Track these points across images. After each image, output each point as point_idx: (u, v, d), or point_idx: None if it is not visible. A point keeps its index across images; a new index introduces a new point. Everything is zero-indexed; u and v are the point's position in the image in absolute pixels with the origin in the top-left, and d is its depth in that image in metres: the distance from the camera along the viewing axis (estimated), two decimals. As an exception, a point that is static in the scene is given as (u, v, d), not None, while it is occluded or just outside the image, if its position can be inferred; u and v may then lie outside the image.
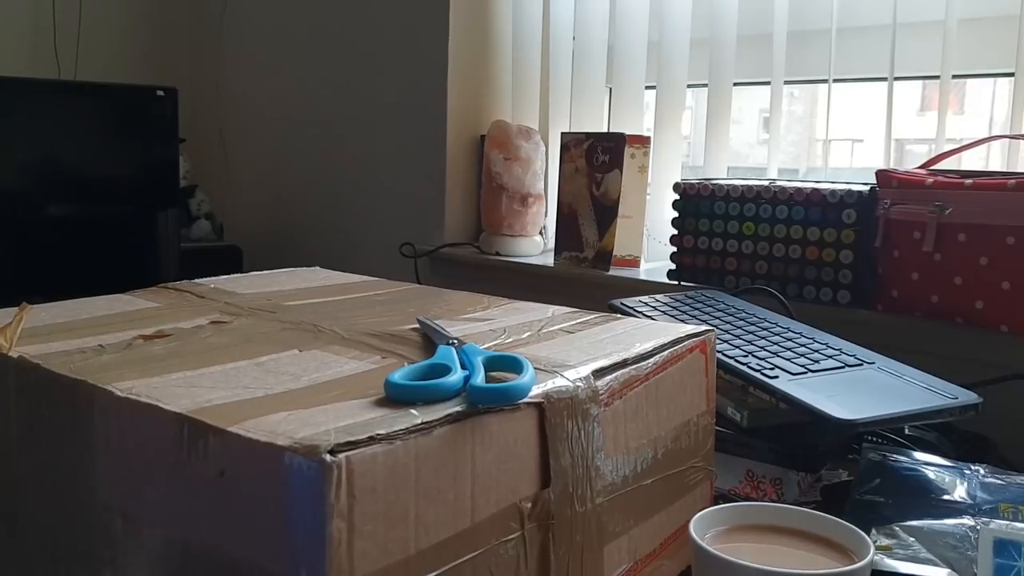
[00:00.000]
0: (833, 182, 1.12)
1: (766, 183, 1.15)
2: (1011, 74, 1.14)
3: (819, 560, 0.52)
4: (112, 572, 0.48)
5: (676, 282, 1.26)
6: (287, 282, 0.82)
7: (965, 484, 0.69)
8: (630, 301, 1.01)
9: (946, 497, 0.67)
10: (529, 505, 0.48)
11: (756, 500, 0.75)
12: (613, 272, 1.36)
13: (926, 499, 0.67)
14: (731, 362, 0.80)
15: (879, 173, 1.06)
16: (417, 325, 0.63)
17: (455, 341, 0.56)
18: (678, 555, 0.63)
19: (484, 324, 0.65)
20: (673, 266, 1.26)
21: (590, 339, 0.61)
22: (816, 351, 0.84)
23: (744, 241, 1.17)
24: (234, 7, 2.08)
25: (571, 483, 0.51)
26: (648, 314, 0.96)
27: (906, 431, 0.85)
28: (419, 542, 0.41)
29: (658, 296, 1.04)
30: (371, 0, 1.76)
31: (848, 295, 1.08)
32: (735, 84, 1.39)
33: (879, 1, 1.25)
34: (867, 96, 1.35)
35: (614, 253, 1.37)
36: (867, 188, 1.07)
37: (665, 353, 0.60)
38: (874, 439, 0.84)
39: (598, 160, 1.39)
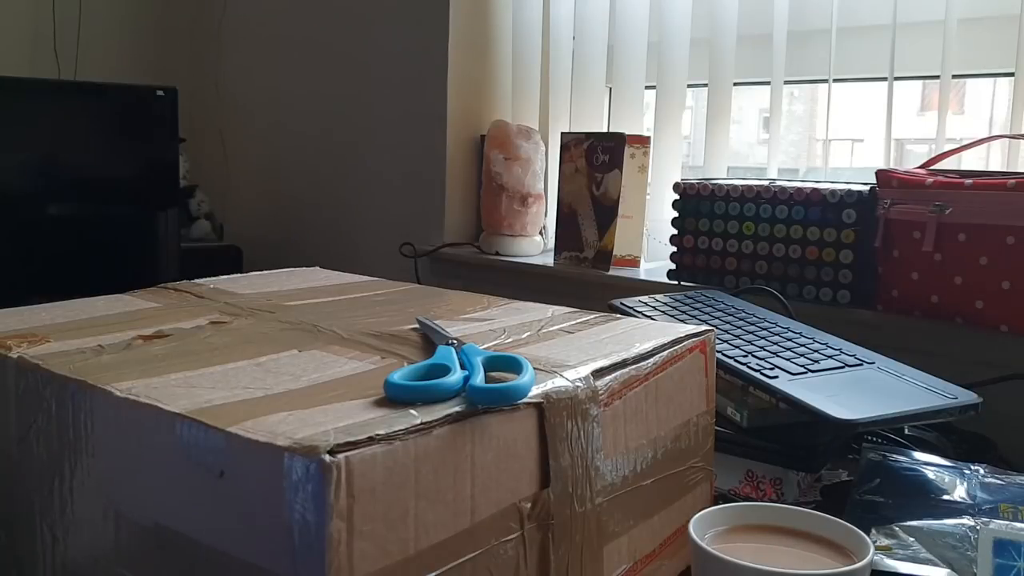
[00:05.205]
0: (833, 182, 1.12)
1: (766, 183, 1.15)
2: (1011, 74, 1.14)
3: (819, 560, 0.52)
4: (111, 572, 0.48)
5: (676, 282, 1.26)
6: (287, 282, 0.82)
7: (965, 484, 0.69)
8: (630, 301, 1.01)
9: (946, 497, 0.67)
10: (529, 505, 0.48)
11: (756, 500, 0.75)
12: (613, 272, 1.36)
13: (926, 499, 0.67)
14: (731, 362, 0.80)
15: (879, 173, 1.06)
16: (417, 325, 0.63)
17: (455, 341, 0.56)
18: (678, 555, 0.63)
19: (484, 324, 0.65)
20: (673, 266, 1.26)
21: (590, 339, 0.61)
22: (816, 351, 0.84)
23: (744, 241, 1.17)
24: (234, 8, 2.08)
25: (571, 483, 0.51)
26: (648, 314, 0.96)
27: (906, 431, 0.85)
28: (419, 542, 0.41)
29: (658, 296, 1.04)
30: (371, 0, 1.76)
31: (848, 295, 1.08)
32: (735, 84, 1.39)
33: (879, 1, 1.25)
34: (867, 96, 1.35)
35: (614, 253, 1.37)
36: (867, 188, 1.07)
37: (665, 353, 0.60)
38: (874, 439, 0.84)
39: (598, 160, 1.39)
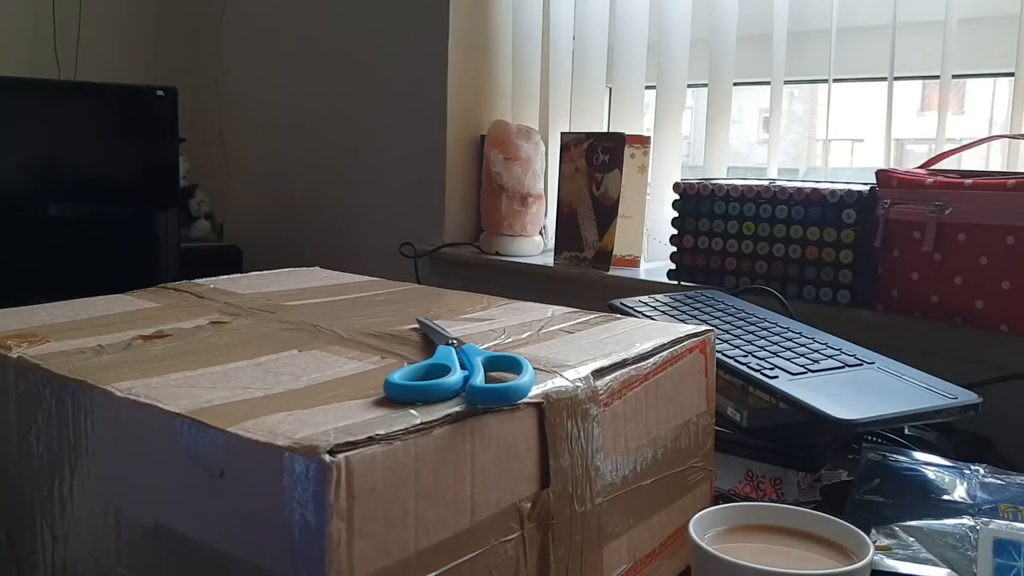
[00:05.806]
0: (833, 182, 1.12)
1: (766, 183, 1.15)
2: (1011, 74, 1.14)
3: (819, 560, 0.52)
4: (111, 572, 0.48)
5: (676, 282, 1.26)
6: (287, 282, 0.82)
7: (965, 484, 0.69)
8: (630, 301, 1.01)
9: (946, 497, 0.67)
10: (529, 505, 0.48)
11: (756, 500, 0.75)
12: (613, 272, 1.36)
13: (926, 499, 0.67)
14: (731, 362, 0.80)
15: (879, 173, 1.06)
16: (417, 325, 0.63)
17: (455, 341, 0.56)
18: (678, 555, 0.63)
19: (484, 324, 0.65)
20: (673, 266, 1.26)
21: (590, 339, 0.61)
22: (816, 351, 0.84)
23: (744, 241, 1.17)
24: (234, 7, 2.08)
25: (571, 483, 0.51)
26: (648, 314, 0.96)
27: (906, 431, 0.85)
28: (418, 542, 0.41)
29: (658, 296, 1.04)
30: (371, 0, 1.76)
31: (848, 295, 1.08)
32: (735, 84, 1.39)
33: (879, 1, 1.25)
34: (867, 96, 1.35)
35: (614, 253, 1.37)
36: (867, 188, 1.07)
37: (665, 353, 0.60)
38: (874, 439, 0.84)
39: (598, 160, 1.39)
